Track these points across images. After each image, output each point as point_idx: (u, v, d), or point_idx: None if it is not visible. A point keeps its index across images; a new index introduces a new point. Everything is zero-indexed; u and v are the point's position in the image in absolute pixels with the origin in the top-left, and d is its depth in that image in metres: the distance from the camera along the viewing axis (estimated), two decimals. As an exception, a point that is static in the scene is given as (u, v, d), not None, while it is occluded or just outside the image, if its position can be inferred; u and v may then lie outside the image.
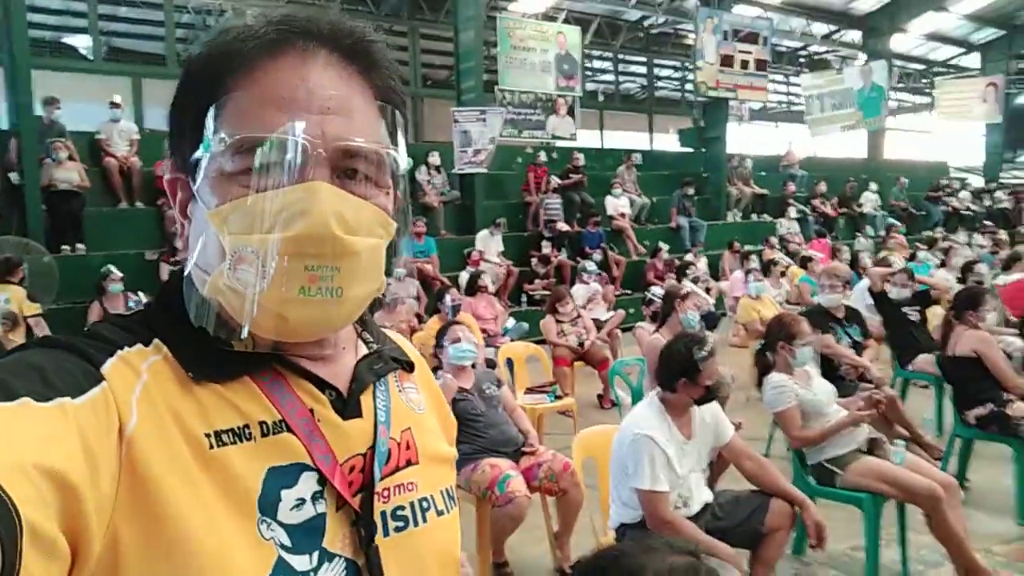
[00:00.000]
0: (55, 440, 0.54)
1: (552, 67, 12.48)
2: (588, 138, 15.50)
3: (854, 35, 18.27)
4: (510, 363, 5.78)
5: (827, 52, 20.18)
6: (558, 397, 5.27)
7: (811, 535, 2.72)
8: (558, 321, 6.81)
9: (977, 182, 20.72)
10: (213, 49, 0.68)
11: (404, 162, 0.71)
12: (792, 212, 14.24)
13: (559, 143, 12.99)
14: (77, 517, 0.54)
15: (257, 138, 0.63)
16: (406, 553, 0.73)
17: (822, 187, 15.46)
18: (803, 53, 20.55)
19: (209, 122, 0.65)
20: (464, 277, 8.72)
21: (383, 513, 0.72)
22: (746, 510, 2.77)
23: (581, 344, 6.70)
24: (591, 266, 9.37)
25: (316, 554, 0.66)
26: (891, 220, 15.17)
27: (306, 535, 0.66)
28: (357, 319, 0.78)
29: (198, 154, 0.66)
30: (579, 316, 7.01)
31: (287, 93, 0.65)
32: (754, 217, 14.48)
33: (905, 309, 5.91)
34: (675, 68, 19.89)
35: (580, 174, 12.31)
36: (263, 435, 0.67)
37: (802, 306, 7.36)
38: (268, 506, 0.64)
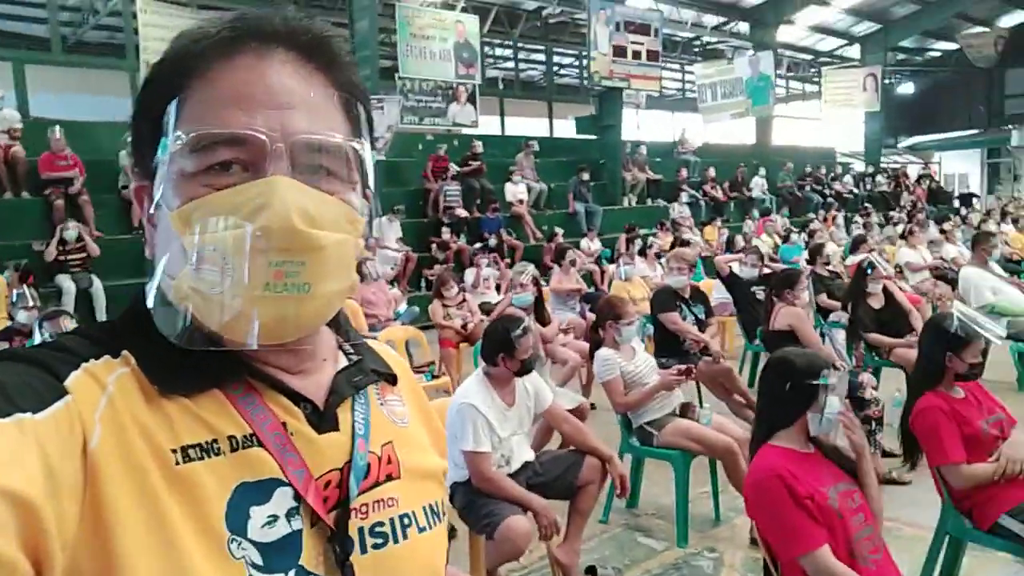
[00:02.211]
0: (13, 459, 0.52)
1: (452, 55, 12.70)
2: (489, 125, 15.80)
3: (743, 26, 19.12)
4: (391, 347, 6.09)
5: (719, 42, 21.05)
6: (435, 376, 5.64)
7: (617, 486, 3.17)
8: (444, 305, 7.15)
9: (862, 167, 22.09)
10: (168, 54, 0.68)
11: (369, 156, 0.70)
12: (684, 197, 14.97)
13: (460, 130, 13.29)
14: (38, 537, 0.52)
15: (214, 134, 0.63)
16: (384, 571, 0.70)
17: (712, 172, 16.25)
18: (697, 43, 21.36)
19: (166, 123, 0.64)
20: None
21: (360, 530, 0.70)
22: (562, 467, 3.18)
23: (465, 326, 7.06)
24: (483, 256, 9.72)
25: (292, 572, 0.64)
26: (766, 206, 16.05)
27: (280, 553, 0.64)
28: (338, 330, 0.80)
29: (158, 157, 0.64)
30: (464, 300, 7.37)
31: (244, 89, 0.65)
32: (648, 202, 15.13)
33: (753, 288, 6.51)
34: (574, 56, 20.40)
35: (479, 161, 12.64)
36: (232, 450, 0.65)
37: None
38: (237, 524, 0.62)
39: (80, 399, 0.59)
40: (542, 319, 5.45)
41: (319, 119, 0.67)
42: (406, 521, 0.74)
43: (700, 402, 4.38)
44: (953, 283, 7.68)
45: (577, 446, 3.25)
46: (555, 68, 19.95)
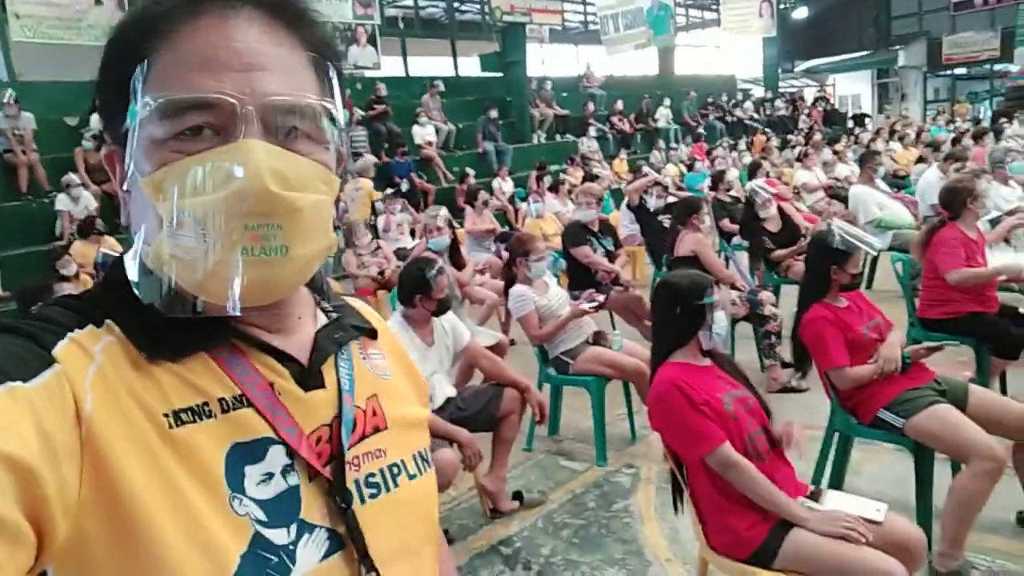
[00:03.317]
0: (8, 425, 0.53)
1: (348, -6, 12.30)
2: (392, 66, 15.45)
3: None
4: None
5: (620, -28, 20.96)
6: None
7: (535, 413, 3.32)
8: (357, 254, 7.13)
9: (761, 92, 22.67)
10: (130, 16, 0.67)
11: (342, 116, 0.70)
12: (592, 131, 15.11)
13: (363, 73, 12.97)
14: (38, 501, 0.53)
15: (183, 99, 0.62)
16: (384, 518, 0.73)
17: (620, 105, 16.42)
18: (598, -26, 21.21)
19: (133, 89, 0.63)
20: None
21: (356, 481, 0.72)
22: (483, 400, 3.32)
23: (382, 273, 7.07)
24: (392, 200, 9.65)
25: (294, 527, 0.66)
26: (700, 131, 16.40)
27: (281, 508, 0.66)
28: (315, 288, 0.80)
29: (127, 123, 0.64)
30: (379, 247, 7.35)
31: (210, 52, 0.63)
32: (557, 138, 15.21)
33: (660, 217, 6.73)
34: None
35: (384, 104, 12.41)
36: (223, 411, 0.66)
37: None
38: (235, 483, 0.64)
39: (69, 368, 0.60)
40: (457, 262, 5.52)
41: (288, 79, 0.66)
42: (396, 470, 0.77)
43: (613, 329, 4.57)
44: (845, 200, 8.12)
45: (496, 379, 3.38)
46: (456, 4, 19.54)
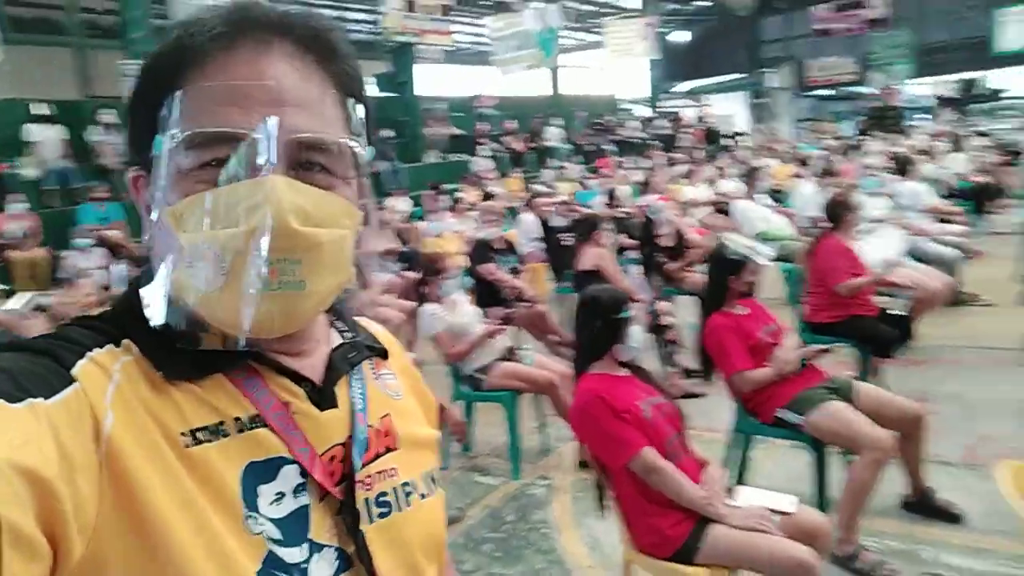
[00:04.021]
0: (28, 440, 0.53)
1: (234, 13, 11.99)
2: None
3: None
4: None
5: (508, -5, 21.40)
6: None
7: (454, 432, 3.35)
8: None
9: (645, 112, 23.58)
10: (165, 46, 0.68)
11: (366, 152, 0.71)
12: (485, 150, 15.28)
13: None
14: (55, 516, 0.53)
15: (210, 133, 0.63)
16: (392, 538, 0.74)
17: (512, 124, 16.69)
18: (487, -4, 21.58)
19: (162, 119, 0.64)
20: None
21: (367, 500, 0.73)
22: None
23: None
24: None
25: (305, 546, 0.67)
26: (559, 159, 16.81)
27: (293, 527, 0.67)
28: (329, 309, 0.78)
29: (154, 152, 0.64)
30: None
31: (240, 87, 0.64)
32: (451, 157, 15.29)
33: (561, 235, 6.92)
34: (367, 11, 19.92)
35: (275, 124, 12.12)
36: (239, 431, 0.66)
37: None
38: (251, 501, 0.65)
39: (88, 387, 0.60)
40: (363, 283, 5.48)
41: (316, 116, 0.67)
42: (408, 489, 0.77)
43: (519, 344, 4.65)
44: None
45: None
46: (347, 23, 19.39)
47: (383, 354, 0.85)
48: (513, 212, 9.35)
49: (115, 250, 8.51)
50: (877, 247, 4.87)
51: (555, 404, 3.91)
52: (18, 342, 0.63)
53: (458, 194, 10.75)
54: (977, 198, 9.27)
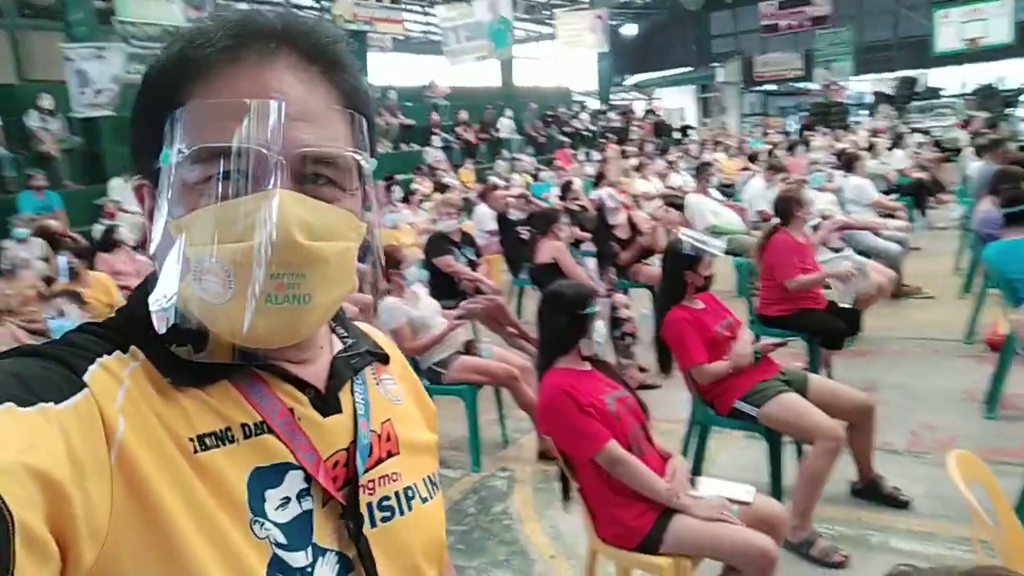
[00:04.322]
0: (39, 444, 0.53)
1: (178, -5, 11.67)
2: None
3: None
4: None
5: (460, -15, 21.26)
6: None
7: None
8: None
9: (595, 105, 23.74)
10: (169, 56, 0.67)
11: (370, 164, 0.71)
12: (437, 141, 15.21)
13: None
14: (65, 520, 0.53)
15: (214, 148, 0.63)
16: (394, 541, 0.75)
17: (464, 115, 16.64)
18: (439, -15, 21.40)
19: (167, 132, 0.64)
20: (99, 231, 8.18)
21: (369, 505, 0.74)
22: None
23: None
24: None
25: (310, 550, 0.68)
26: (512, 151, 16.84)
27: (297, 532, 0.67)
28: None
29: (159, 164, 0.64)
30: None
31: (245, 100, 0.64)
32: (403, 147, 15.19)
33: (519, 228, 6.93)
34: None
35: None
36: (245, 437, 0.67)
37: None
38: (257, 506, 0.65)
39: (99, 392, 0.60)
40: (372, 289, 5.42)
41: (321, 129, 0.67)
42: (410, 493, 0.78)
43: (477, 337, 4.67)
44: (681, 208, 8.71)
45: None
46: (296, 10, 19.05)
47: (384, 359, 0.86)
48: (468, 204, 9.34)
49: (55, 240, 8.24)
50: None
51: (516, 397, 3.93)
52: (28, 348, 0.63)
53: (413, 185, 10.67)
54: (916, 194, 9.59)
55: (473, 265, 5.64)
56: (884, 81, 24.54)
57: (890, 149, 11.09)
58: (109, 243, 6.97)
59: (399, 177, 12.06)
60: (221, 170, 0.63)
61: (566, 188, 8.32)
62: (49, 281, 6.72)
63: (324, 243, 0.64)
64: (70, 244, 7.58)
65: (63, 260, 5.78)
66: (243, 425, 0.67)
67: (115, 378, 0.63)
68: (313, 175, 0.67)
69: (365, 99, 0.74)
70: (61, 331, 2.92)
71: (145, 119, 0.68)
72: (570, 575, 2.94)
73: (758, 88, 27.96)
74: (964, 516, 2.89)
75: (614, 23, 24.97)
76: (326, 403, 0.74)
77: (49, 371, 0.60)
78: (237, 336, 0.64)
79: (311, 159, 0.66)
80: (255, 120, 0.63)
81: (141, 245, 8.94)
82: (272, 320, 0.63)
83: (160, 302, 0.65)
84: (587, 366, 2.54)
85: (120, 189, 9.59)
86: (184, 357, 0.66)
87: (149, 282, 0.69)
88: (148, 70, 0.69)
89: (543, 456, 3.90)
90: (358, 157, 0.69)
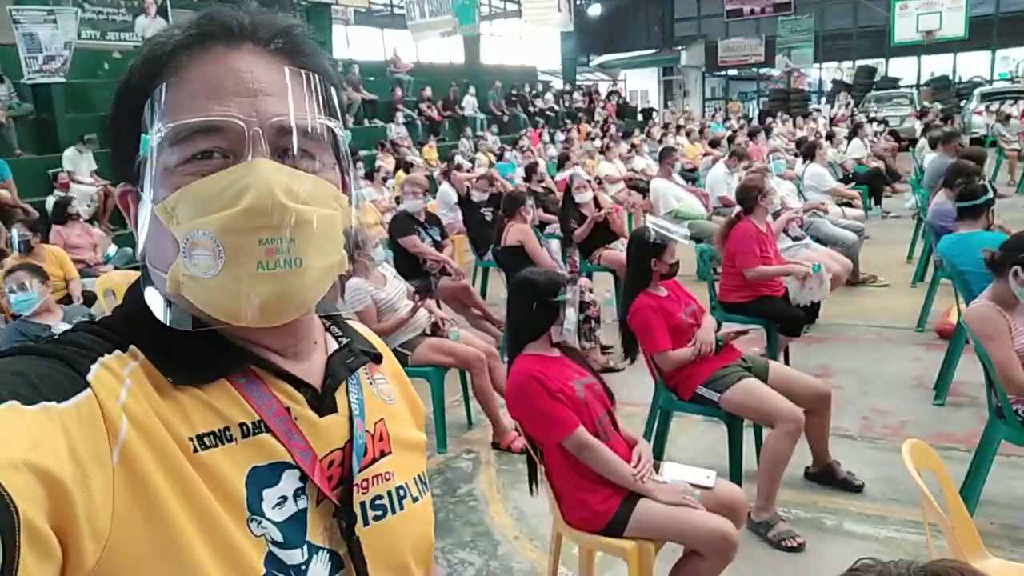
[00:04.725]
0: (43, 442, 0.54)
1: (132, -41, 11.30)
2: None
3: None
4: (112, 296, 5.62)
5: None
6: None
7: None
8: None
9: (560, 85, 23.70)
10: (138, 60, 0.69)
11: (345, 135, 0.72)
12: (400, 117, 15.05)
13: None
14: (67, 519, 0.54)
15: (192, 124, 0.64)
16: (385, 540, 0.76)
17: (428, 92, 16.48)
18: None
19: (144, 121, 0.65)
20: (52, 203, 7.96)
21: (362, 504, 0.75)
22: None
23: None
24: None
25: (305, 547, 0.69)
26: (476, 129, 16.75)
27: (293, 530, 0.68)
28: (325, 314, 0.83)
29: (140, 155, 0.66)
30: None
31: (216, 80, 0.66)
32: (366, 123, 15.00)
33: (483, 210, 6.92)
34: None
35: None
36: (244, 436, 0.68)
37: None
38: (255, 505, 0.66)
39: (101, 392, 0.61)
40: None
41: (292, 103, 0.68)
42: (401, 493, 0.80)
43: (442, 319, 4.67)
44: (644, 192, 8.79)
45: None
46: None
47: (377, 359, 0.88)
48: (432, 182, 9.29)
49: (5, 212, 7.99)
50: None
51: (475, 380, 3.94)
52: (31, 347, 0.64)
53: (377, 163, 10.57)
54: (872, 183, 9.81)
55: (438, 246, 5.62)
56: (844, 70, 24.95)
57: (848, 138, 11.29)
58: (63, 215, 6.78)
59: (362, 153, 11.94)
60: (200, 149, 0.65)
61: (531, 170, 8.34)
62: (2, 254, 6.54)
63: (308, 207, 0.65)
64: (21, 216, 7.38)
65: (16, 232, 5.61)
66: (241, 424, 0.69)
67: (117, 377, 0.63)
68: (291, 148, 0.67)
69: (334, 79, 0.75)
70: (21, 305, 2.89)
71: (122, 116, 0.69)
72: (533, 556, 2.99)
73: (720, 73, 28.19)
74: (913, 499, 3.02)
75: (580, 2, 24.90)
76: (322, 403, 0.75)
77: (52, 370, 0.60)
78: (234, 310, 0.65)
79: (286, 130, 0.67)
80: (225, 95, 0.66)
81: (96, 217, 8.77)
82: (266, 288, 0.64)
83: (155, 296, 0.68)
84: (556, 352, 2.57)
85: (74, 159, 9.32)
86: (184, 351, 0.68)
87: (142, 280, 0.71)
88: (122, 77, 0.70)
89: (496, 446, 3.94)
90: (331, 124, 0.70)
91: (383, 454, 0.80)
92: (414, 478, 0.83)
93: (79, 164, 9.39)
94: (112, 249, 7.31)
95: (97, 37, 10.93)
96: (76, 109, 10.57)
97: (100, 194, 9.22)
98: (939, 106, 18.27)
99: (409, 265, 5.38)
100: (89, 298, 5.53)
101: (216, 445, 0.66)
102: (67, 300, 5.43)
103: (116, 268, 6.75)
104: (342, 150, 0.73)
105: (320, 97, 0.71)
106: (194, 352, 0.68)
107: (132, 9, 11.37)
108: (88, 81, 11.16)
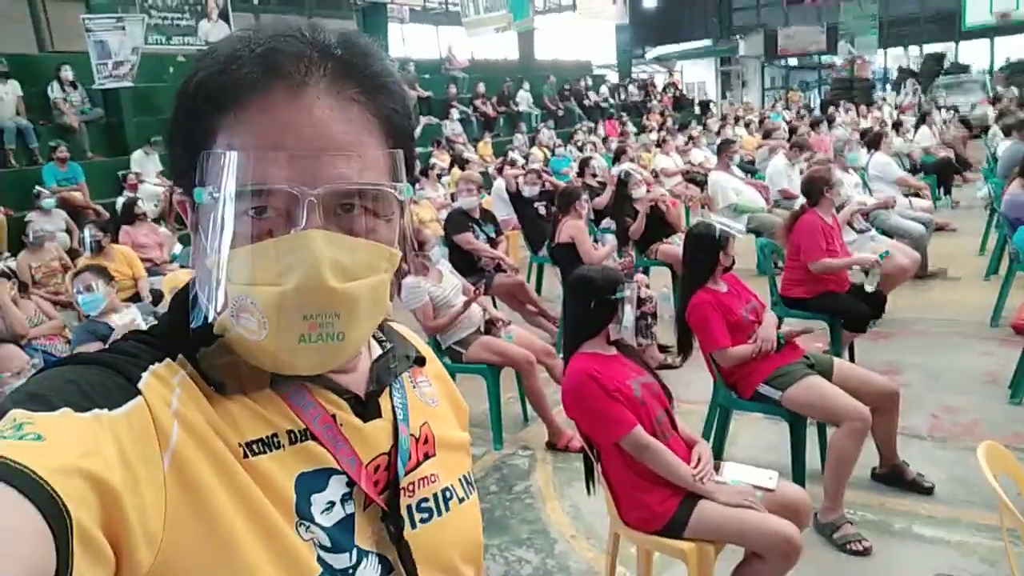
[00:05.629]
0: (94, 449, 0.54)
1: (196, -34, 11.60)
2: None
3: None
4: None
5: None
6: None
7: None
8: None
9: (615, 79, 23.48)
10: (201, 79, 0.66)
11: (406, 192, 0.69)
12: (455, 113, 15.13)
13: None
14: (119, 525, 0.54)
15: (246, 189, 0.63)
16: (433, 542, 0.76)
17: (482, 88, 16.52)
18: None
19: (198, 170, 0.64)
20: (121, 203, 8.24)
21: (408, 507, 0.76)
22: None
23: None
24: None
25: (354, 551, 0.69)
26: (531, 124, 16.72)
27: (341, 535, 0.69)
28: None
29: (196, 197, 0.65)
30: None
31: (275, 136, 0.63)
32: (421, 120, 15.10)
33: (536, 204, 6.90)
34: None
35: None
36: (291, 443, 0.69)
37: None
38: (304, 510, 0.67)
39: (153, 400, 0.62)
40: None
41: (356, 161, 0.65)
42: (448, 494, 0.80)
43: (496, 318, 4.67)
44: (701, 185, 8.63)
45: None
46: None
47: (421, 362, 0.88)
48: (487, 178, 9.31)
49: (78, 213, 8.31)
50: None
51: (527, 382, 3.92)
52: (83, 356, 0.65)
53: (431, 160, 10.64)
54: (941, 172, 9.46)
55: (493, 242, 5.62)
56: (909, 56, 24.11)
57: (916, 127, 10.90)
58: (131, 216, 7.00)
59: (418, 151, 11.99)
60: (253, 208, 0.64)
61: (584, 164, 8.28)
62: (73, 254, 6.80)
63: (357, 283, 0.64)
64: (92, 217, 7.66)
65: (88, 233, 5.83)
66: (288, 432, 0.69)
67: (167, 386, 0.64)
68: (348, 205, 0.66)
69: (406, 120, 0.71)
70: (89, 306, 2.99)
71: (180, 142, 0.68)
72: (591, 555, 2.97)
73: (780, 62, 27.55)
74: (987, 502, 2.90)
75: (635, -6, 24.61)
76: (366, 409, 0.76)
77: (104, 378, 0.61)
78: (273, 369, 0.67)
79: (343, 194, 0.65)
80: (285, 160, 0.63)
81: (162, 217, 9.04)
82: (307, 357, 0.65)
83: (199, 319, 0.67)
84: (613, 351, 2.54)
85: (141, 161, 9.64)
86: (229, 362, 0.68)
87: (190, 287, 0.70)
88: (182, 85, 0.68)
89: (551, 446, 3.92)
90: (390, 190, 0.68)
91: (427, 456, 0.81)
92: (460, 479, 0.83)
93: (146, 166, 9.70)
94: (178, 248, 7.52)
95: (163, 42, 11.27)
96: (143, 112, 10.92)
97: (166, 194, 9.50)
98: (1015, 91, 17.46)
99: (464, 262, 5.40)
100: (157, 295, 5.71)
101: (264, 452, 0.67)
102: (135, 298, 5.61)
103: (182, 266, 6.93)
104: (402, 201, 0.70)
105: (384, 146, 0.68)
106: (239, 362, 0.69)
107: (196, 14, 11.69)
108: (154, 85, 11.52)
